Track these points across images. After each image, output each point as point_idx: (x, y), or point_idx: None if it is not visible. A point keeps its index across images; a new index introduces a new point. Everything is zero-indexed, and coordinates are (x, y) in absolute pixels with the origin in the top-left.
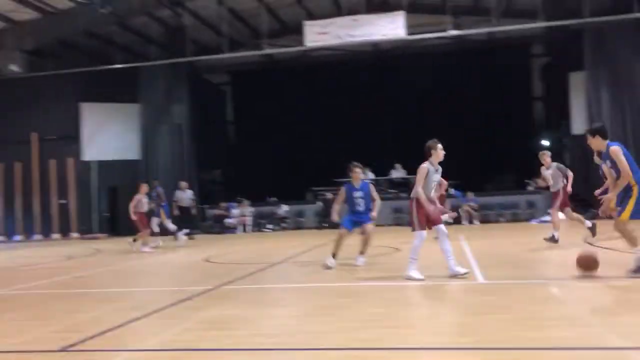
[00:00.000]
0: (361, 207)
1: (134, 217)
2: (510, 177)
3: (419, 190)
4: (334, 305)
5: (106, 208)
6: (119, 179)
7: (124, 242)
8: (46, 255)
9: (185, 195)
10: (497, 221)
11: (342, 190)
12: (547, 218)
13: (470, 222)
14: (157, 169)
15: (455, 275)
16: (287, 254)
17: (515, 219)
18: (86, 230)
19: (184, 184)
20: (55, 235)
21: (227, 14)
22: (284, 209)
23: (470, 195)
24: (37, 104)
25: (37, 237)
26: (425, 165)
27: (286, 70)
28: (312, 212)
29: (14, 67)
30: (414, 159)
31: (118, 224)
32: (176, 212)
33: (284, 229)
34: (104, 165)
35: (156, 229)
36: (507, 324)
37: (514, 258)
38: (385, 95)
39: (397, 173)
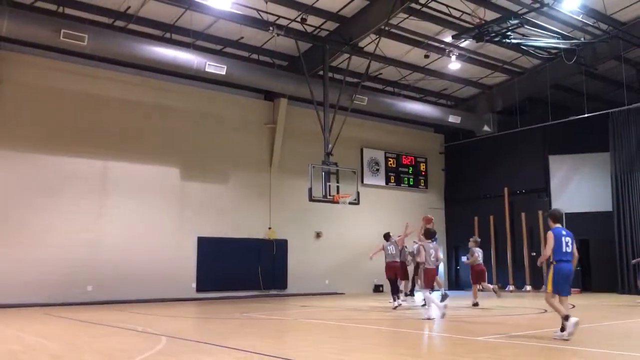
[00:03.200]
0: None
1: None
2: None
3: None
4: None
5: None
6: (589, 232)
7: (601, 297)
8: (519, 306)
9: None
10: None
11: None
12: None
13: None
14: (630, 220)
15: None
16: None
17: None
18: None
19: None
20: (528, 287)
21: None
22: None
23: None
24: (507, 160)
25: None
26: None
27: None
28: None
29: (486, 128)
30: None
31: (590, 278)
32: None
33: None
34: (574, 217)
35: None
36: None
37: None
38: None
39: None
